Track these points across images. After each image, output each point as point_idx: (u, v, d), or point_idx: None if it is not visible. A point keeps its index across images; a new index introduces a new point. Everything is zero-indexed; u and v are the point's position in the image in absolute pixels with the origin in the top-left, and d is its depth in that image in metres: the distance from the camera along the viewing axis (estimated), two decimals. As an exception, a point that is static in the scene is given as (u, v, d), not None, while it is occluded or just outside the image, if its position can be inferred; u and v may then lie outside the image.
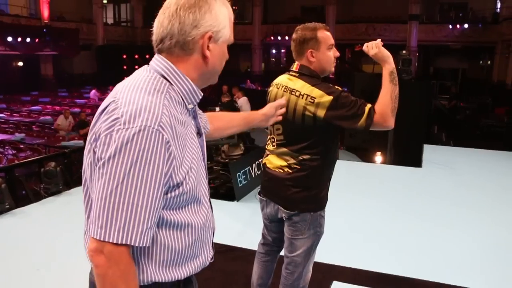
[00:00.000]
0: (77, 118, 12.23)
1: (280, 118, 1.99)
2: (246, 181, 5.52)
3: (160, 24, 1.21)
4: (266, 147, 2.47)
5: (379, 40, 2.24)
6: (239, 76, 23.32)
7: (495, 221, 4.78)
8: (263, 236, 2.70)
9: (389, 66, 2.21)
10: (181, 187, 1.18)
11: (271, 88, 2.41)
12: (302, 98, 2.17)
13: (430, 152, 7.65)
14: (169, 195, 1.16)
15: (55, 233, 4.26)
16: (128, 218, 1.06)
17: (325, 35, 2.24)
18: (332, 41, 2.27)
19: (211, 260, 1.40)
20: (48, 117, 13.58)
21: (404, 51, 7.32)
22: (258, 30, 25.61)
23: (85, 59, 24.21)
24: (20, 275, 3.45)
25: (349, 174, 6.42)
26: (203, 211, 1.30)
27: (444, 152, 8.25)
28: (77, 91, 21.15)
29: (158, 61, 1.22)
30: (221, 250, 3.86)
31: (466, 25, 21.93)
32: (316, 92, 2.15)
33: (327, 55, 2.25)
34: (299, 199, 2.28)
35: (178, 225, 1.22)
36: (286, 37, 24.21)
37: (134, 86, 1.16)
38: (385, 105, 2.11)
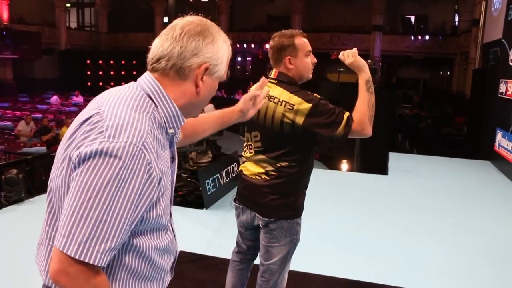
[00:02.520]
0: (39, 123, 11.86)
1: (260, 106, 1.79)
2: (215, 189, 5.48)
3: (161, 44, 1.18)
4: (242, 154, 2.45)
5: (355, 49, 2.27)
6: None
7: (459, 225, 4.93)
8: (238, 244, 2.67)
9: (365, 75, 2.23)
10: (153, 211, 1.14)
11: (248, 95, 2.39)
12: (281, 105, 2.17)
13: (395, 159, 7.83)
14: (141, 217, 1.12)
15: (17, 243, 4.09)
16: (91, 234, 1.01)
17: (303, 42, 2.25)
18: (309, 48, 2.28)
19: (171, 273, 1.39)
20: (8, 123, 13.08)
21: (369, 61, 7.49)
22: (225, 37, 25.58)
23: (47, 64, 23.56)
24: (-20, 288, 3.29)
25: (316, 181, 6.39)
26: (167, 236, 1.27)
27: (408, 160, 8.46)
28: (38, 96, 20.49)
29: (147, 80, 1.19)
30: (191, 259, 3.80)
31: (427, 37, 22.66)
32: (295, 99, 2.15)
33: (305, 62, 2.26)
34: (276, 206, 2.27)
35: (141, 249, 1.18)
36: (252, 45, 24.35)
37: (120, 100, 1.12)
38: (363, 113, 2.13)
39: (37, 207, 5.16)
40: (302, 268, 3.59)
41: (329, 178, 6.90)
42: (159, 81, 1.19)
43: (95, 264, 1.02)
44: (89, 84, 23.04)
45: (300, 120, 2.13)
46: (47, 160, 6.66)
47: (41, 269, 1.24)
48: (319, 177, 6.74)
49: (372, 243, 4.37)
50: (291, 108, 2.15)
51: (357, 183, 6.69)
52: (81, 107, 17.89)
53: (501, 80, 8.07)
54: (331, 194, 6.01)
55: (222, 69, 1.25)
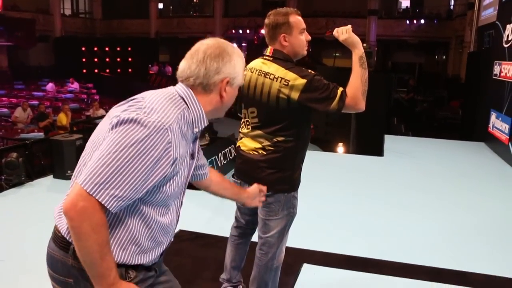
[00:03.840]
0: (35, 110, 11.88)
1: (260, 204, 2.16)
2: (213, 171, 5.56)
3: (188, 67, 1.45)
4: (240, 130, 2.51)
5: (349, 26, 2.32)
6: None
7: (453, 204, 5.03)
8: (236, 219, 2.75)
9: (358, 51, 2.29)
10: (162, 187, 1.38)
11: (245, 72, 2.44)
12: (277, 81, 2.23)
13: (390, 142, 7.92)
14: (151, 188, 1.34)
15: (20, 224, 4.17)
16: (108, 179, 1.23)
17: (297, 20, 2.30)
18: (304, 26, 2.34)
19: (159, 258, 1.56)
20: (5, 110, 13.09)
21: (365, 44, 7.54)
22: (219, 23, 25.50)
23: (42, 51, 23.41)
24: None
25: (312, 163, 6.47)
26: (168, 217, 1.49)
27: (403, 142, 8.54)
28: (34, 84, 20.42)
29: (181, 87, 1.45)
30: (190, 237, 3.88)
31: (422, 21, 22.62)
32: (290, 75, 2.21)
33: (300, 39, 2.31)
34: (274, 180, 2.34)
35: (144, 217, 1.40)
36: (248, 31, 24.23)
37: (159, 94, 1.40)
38: (356, 88, 2.20)
39: (37, 190, 5.23)
40: (301, 245, 3.68)
41: (325, 160, 6.97)
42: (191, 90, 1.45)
43: (103, 203, 1.23)
44: (84, 71, 22.91)
45: (295, 95, 2.19)
46: (46, 145, 6.70)
47: (56, 212, 1.42)
48: (315, 159, 6.82)
49: (369, 220, 4.46)
50: (286, 84, 2.21)
51: (353, 164, 6.78)
52: (77, 94, 17.89)
53: (495, 62, 8.13)
54: (328, 175, 6.09)
55: (239, 79, 1.52)
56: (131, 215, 1.37)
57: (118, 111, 1.34)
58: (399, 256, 3.66)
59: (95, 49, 23.79)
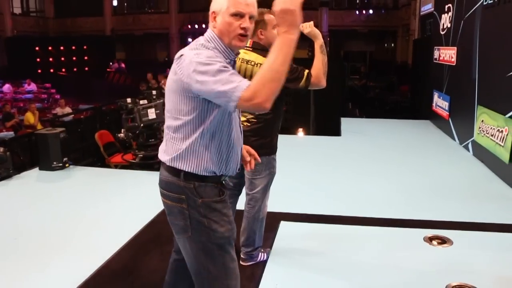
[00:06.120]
0: (-3, 112, 11.96)
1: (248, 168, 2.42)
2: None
3: None
4: (227, 108, 3.10)
5: (311, 22, 2.95)
6: (158, 66, 23.28)
7: (402, 169, 5.85)
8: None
9: (319, 41, 2.92)
10: (216, 110, 1.81)
11: (229, 61, 3.04)
12: (256, 66, 2.84)
13: (346, 123, 8.70)
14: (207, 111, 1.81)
15: (17, 211, 4.51)
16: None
17: (271, 18, 2.91)
18: (276, 22, 2.93)
19: (238, 170, 2.08)
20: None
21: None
22: (175, 19, 25.74)
23: (-8, 52, 22.82)
24: None
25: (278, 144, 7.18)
26: (233, 133, 1.94)
27: (358, 123, 9.35)
28: (-13, 86, 20.02)
29: (208, 31, 1.93)
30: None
31: (371, 11, 23.73)
32: (267, 61, 2.81)
33: (273, 33, 2.92)
34: (257, 145, 2.93)
35: (211, 136, 1.85)
36: (203, 25, 24.58)
37: (192, 47, 1.86)
38: (319, 70, 2.83)
39: (26, 181, 5.55)
40: (277, 209, 4.22)
41: (288, 141, 7.53)
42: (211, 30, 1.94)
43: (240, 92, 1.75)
44: (39, 71, 22.58)
45: (272, 77, 2.80)
46: (22, 142, 7.03)
47: (162, 152, 2.00)
48: (279, 141, 7.47)
49: (332, 186, 5.16)
50: (265, 68, 2.81)
51: (315, 143, 7.52)
52: (36, 94, 17.80)
53: (435, 47, 9.04)
54: (293, 152, 6.67)
55: (223, 8, 1.89)
56: (209, 139, 1.86)
57: (175, 66, 1.81)
58: (359, 212, 4.34)
59: (50, 48, 23.48)
